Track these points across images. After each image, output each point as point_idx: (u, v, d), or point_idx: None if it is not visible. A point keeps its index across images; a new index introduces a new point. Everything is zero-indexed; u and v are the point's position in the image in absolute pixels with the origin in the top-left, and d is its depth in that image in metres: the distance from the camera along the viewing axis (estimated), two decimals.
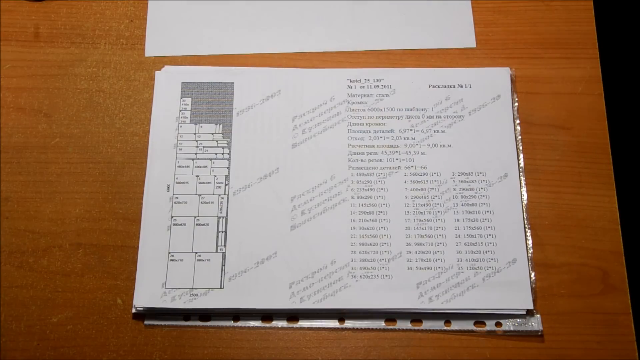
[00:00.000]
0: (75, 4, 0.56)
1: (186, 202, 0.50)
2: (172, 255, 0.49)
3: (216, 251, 0.49)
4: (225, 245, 0.49)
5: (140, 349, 0.47)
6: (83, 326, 0.48)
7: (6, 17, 0.56)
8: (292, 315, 0.48)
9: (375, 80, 0.53)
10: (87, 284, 0.49)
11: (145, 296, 0.47)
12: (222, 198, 0.50)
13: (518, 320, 0.47)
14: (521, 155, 0.51)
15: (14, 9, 0.56)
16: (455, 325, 0.47)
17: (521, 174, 0.50)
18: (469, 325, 0.47)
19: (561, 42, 0.54)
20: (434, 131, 0.51)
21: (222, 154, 0.51)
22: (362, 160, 0.51)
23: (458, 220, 0.49)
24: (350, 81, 0.53)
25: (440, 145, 0.51)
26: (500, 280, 0.47)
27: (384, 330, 0.47)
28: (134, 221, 0.50)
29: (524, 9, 0.55)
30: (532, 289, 0.47)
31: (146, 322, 0.48)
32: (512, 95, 0.52)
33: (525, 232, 0.49)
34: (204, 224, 0.49)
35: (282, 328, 0.47)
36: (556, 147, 0.51)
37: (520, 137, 0.51)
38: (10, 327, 0.47)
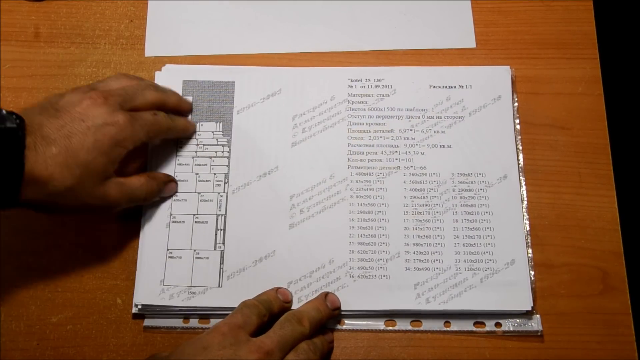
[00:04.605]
0: (75, 4, 0.56)
1: (185, 200, 0.50)
2: (171, 253, 0.49)
3: (215, 249, 0.49)
4: (223, 243, 0.49)
5: (140, 349, 0.47)
6: (83, 326, 0.48)
7: (6, 17, 0.56)
8: None
9: (376, 80, 0.53)
10: (87, 284, 0.49)
11: (143, 293, 0.48)
12: (222, 196, 0.50)
13: (518, 320, 0.47)
14: (521, 155, 0.51)
15: (14, 9, 0.56)
16: (455, 326, 0.47)
17: (521, 174, 0.50)
18: (468, 325, 0.47)
19: (561, 42, 0.54)
20: (434, 131, 0.51)
21: (222, 152, 0.51)
22: (361, 160, 0.51)
23: (457, 221, 0.49)
24: (351, 81, 0.53)
25: (440, 146, 0.51)
26: (498, 282, 0.47)
27: (383, 330, 0.47)
28: (133, 221, 0.50)
29: (524, 9, 0.55)
30: (531, 289, 0.47)
31: (146, 323, 0.47)
32: (512, 95, 0.52)
33: (525, 232, 0.49)
34: (203, 222, 0.49)
35: None
36: (556, 147, 0.51)
37: (520, 137, 0.51)
38: (10, 327, 0.47)
